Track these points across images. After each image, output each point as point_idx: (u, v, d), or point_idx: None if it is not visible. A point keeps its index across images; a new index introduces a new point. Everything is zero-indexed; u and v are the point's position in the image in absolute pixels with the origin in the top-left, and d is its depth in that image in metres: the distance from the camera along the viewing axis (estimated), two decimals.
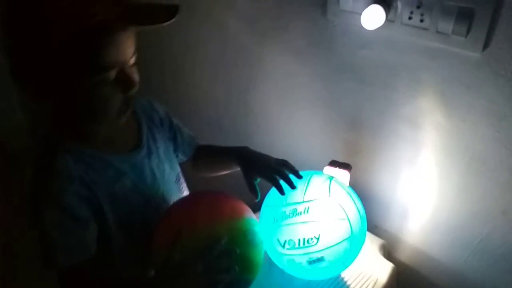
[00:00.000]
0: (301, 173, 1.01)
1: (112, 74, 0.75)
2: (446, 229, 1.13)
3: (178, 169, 1.05)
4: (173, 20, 0.74)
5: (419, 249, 1.21)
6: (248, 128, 1.50)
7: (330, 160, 1.17)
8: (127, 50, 0.76)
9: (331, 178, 0.99)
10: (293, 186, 0.94)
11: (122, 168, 0.88)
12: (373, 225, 1.24)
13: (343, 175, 1.12)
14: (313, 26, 1.15)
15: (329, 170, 1.13)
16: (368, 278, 1.07)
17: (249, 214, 0.91)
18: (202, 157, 1.13)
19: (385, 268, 1.11)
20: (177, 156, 1.08)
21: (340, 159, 1.16)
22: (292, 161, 1.18)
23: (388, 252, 1.21)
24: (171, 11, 0.74)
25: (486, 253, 1.08)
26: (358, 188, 1.07)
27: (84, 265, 0.81)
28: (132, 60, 0.79)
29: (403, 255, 1.24)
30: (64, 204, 0.79)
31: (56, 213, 0.79)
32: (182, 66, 1.63)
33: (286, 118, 1.36)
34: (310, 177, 0.99)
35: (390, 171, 1.17)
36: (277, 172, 0.95)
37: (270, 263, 1.05)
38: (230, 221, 0.87)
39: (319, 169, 1.15)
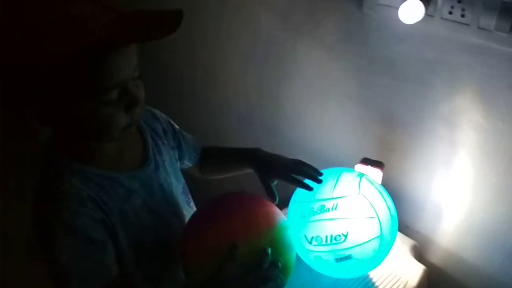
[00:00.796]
0: (331, 169, 1.00)
1: (114, 94, 0.70)
2: (480, 231, 1.10)
3: (183, 180, 1.01)
4: (176, 32, 0.67)
5: (451, 252, 1.17)
6: (278, 123, 1.48)
7: (362, 157, 1.15)
8: (129, 65, 0.71)
9: (361, 175, 0.97)
10: (318, 181, 0.93)
11: (132, 186, 0.84)
12: (404, 226, 1.21)
13: (375, 174, 1.09)
14: (348, 20, 1.13)
15: (360, 168, 1.11)
16: (398, 280, 1.05)
17: (281, 215, 0.88)
18: (210, 160, 1.09)
19: (416, 270, 1.08)
20: (183, 163, 1.05)
21: (373, 157, 1.14)
22: (322, 158, 1.17)
23: (419, 254, 1.18)
24: (176, 19, 0.68)
25: None
26: (391, 187, 1.05)
27: None
28: (136, 74, 0.73)
29: (435, 257, 1.21)
30: (77, 228, 0.73)
31: (70, 239, 0.73)
32: (213, 61, 1.62)
33: (318, 114, 1.34)
34: (340, 174, 0.97)
35: (424, 171, 1.14)
36: (297, 172, 0.94)
37: (298, 259, 1.04)
38: (269, 230, 0.83)
39: (350, 166, 1.13)
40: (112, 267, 0.78)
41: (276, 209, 0.88)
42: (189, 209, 1.00)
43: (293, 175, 0.94)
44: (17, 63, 0.66)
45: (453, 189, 1.11)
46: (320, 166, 0.99)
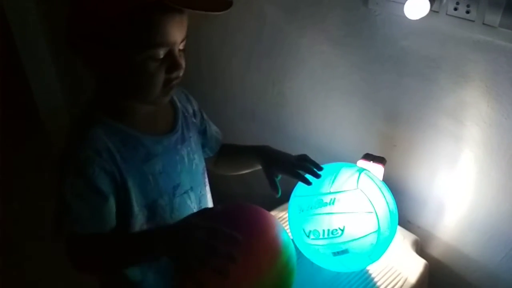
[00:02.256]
0: (332, 164, 1.01)
1: (161, 52, 0.77)
2: (482, 227, 1.10)
3: (204, 163, 1.05)
4: (226, 11, 0.77)
5: (453, 247, 1.18)
6: (282, 118, 1.49)
7: (364, 153, 1.15)
8: (178, 32, 0.78)
9: (361, 170, 0.98)
10: (317, 176, 0.95)
11: (155, 150, 0.88)
12: (406, 221, 1.22)
13: (377, 169, 1.10)
14: (353, 15, 1.13)
15: (362, 163, 1.12)
16: (400, 273, 1.06)
17: (283, 235, 0.85)
18: (224, 154, 1.12)
19: (417, 264, 1.09)
20: (204, 151, 1.08)
21: (375, 152, 1.15)
22: (326, 153, 1.17)
23: (420, 248, 1.19)
24: (227, 2, 0.78)
25: None
26: (393, 183, 1.06)
27: (95, 237, 0.81)
28: (182, 45, 0.81)
29: (436, 252, 1.22)
30: (87, 174, 0.79)
31: (77, 181, 0.79)
32: (218, 55, 1.63)
33: (321, 109, 1.34)
34: (340, 169, 0.98)
35: (426, 166, 1.15)
36: (299, 167, 0.97)
37: (299, 253, 1.05)
38: (272, 269, 0.81)
39: (353, 162, 1.14)
40: (108, 221, 0.83)
41: (279, 230, 0.85)
42: (206, 191, 1.04)
43: (296, 170, 0.96)
44: (87, 8, 0.75)
45: (456, 184, 1.11)
46: (323, 161, 1.00)
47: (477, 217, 1.10)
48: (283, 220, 1.20)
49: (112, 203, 0.83)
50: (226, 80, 1.64)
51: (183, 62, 0.82)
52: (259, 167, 1.03)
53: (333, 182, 0.94)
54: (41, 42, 2.42)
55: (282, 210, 1.24)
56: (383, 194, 0.94)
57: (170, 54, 0.78)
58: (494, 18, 0.89)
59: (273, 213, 1.24)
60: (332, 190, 0.93)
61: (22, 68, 2.43)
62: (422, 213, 1.20)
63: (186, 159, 0.95)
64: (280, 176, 0.98)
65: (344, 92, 1.25)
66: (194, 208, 0.98)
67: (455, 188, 1.12)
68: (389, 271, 1.06)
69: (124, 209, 0.86)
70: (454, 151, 1.08)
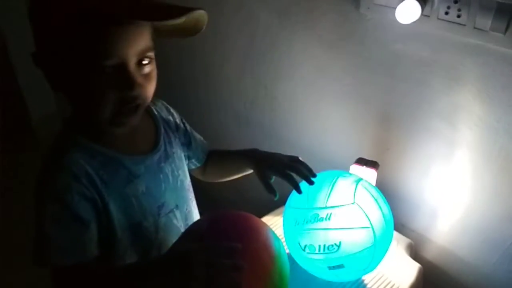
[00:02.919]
0: (327, 173, 1.00)
1: (109, 66, 0.72)
2: (476, 230, 1.11)
3: (189, 178, 1.02)
4: (176, 20, 0.70)
5: (447, 250, 1.18)
6: (275, 122, 1.49)
7: (357, 157, 1.15)
8: (133, 44, 0.72)
9: (358, 181, 0.96)
10: (311, 182, 0.92)
11: (136, 171, 0.85)
12: (400, 224, 1.22)
13: (370, 174, 1.10)
14: (345, 20, 1.13)
15: (355, 168, 1.12)
16: (394, 278, 1.05)
17: (276, 242, 0.85)
18: (213, 162, 1.10)
19: (411, 269, 1.09)
20: (191, 162, 1.06)
21: (368, 156, 1.15)
22: (318, 157, 1.17)
23: (414, 252, 1.19)
24: (181, 12, 0.71)
25: None
26: (386, 186, 1.06)
27: (79, 267, 0.77)
28: (146, 59, 0.76)
29: (430, 255, 1.22)
30: (66, 201, 0.76)
31: (57, 208, 0.76)
32: (211, 59, 1.62)
33: (314, 113, 1.34)
34: (336, 180, 0.96)
35: (420, 169, 1.15)
36: (291, 168, 0.93)
37: (292, 260, 1.04)
38: (272, 272, 0.80)
39: (345, 166, 1.14)
40: (91, 248, 0.79)
41: (271, 238, 0.84)
42: (192, 206, 1.01)
43: (288, 171, 0.93)
44: (38, 19, 0.74)
45: (449, 187, 1.11)
46: (315, 165, 0.99)
47: (471, 220, 1.11)
48: (277, 226, 1.20)
49: (93, 230, 0.79)
50: (219, 84, 1.64)
51: (142, 78, 0.75)
52: (250, 171, 1.01)
53: (329, 195, 0.92)
54: (32, 46, 2.40)
55: (277, 215, 1.24)
56: (379, 206, 0.93)
57: (122, 70, 0.73)
58: (485, 22, 0.89)
59: (267, 217, 1.24)
60: (328, 205, 0.91)
61: (14, 73, 2.41)
62: (416, 217, 1.20)
63: (170, 177, 0.92)
64: (273, 178, 0.94)
65: (336, 95, 1.25)
66: (181, 226, 0.94)
67: (449, 191, 1.12)
68: (383, 275, 1.06)
69: (107, 234, 0.82)
70: (447, 154, 1.08)
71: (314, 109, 1.33)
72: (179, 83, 1.72)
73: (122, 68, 0.73)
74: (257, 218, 0.87)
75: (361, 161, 1.12)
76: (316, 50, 1.24)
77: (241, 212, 0.87)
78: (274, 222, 1.22)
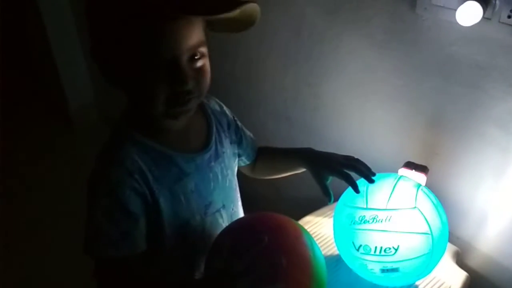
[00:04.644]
0: (387, 174, 0.98)
1: (162, 63, 0.72)
2: None
3: (236, 178, 1.01)
4: (229, 13, 0.70)
5: (493, 259, 1.15)
6: (317, 122, 1.47)
7: (404, 161, 1.12)
8: (183, 40, 0.72)
9: (418, 186, 0.94)
10: (371, 180, 0.91)
11: (187, 169, 0.85)
12: None
13: (419, 178, 1.07)
14: (399, 20, 1.11)
15: (404, 171, 1.09)
16: (441, 286, 1.03)
17: (314, 244, 0.83)
18: (263, 159, 1.09)
19: (458, 277, 1.06)
20: (241, 159, 1.05)
21: (415, 160, 1.12)
22: (363, 159, 1.14)
23: (461, 260, 1.16)
24: (234, 5, 0.70)
25: None
26: (433, 192, 1.03)
27: (126, 260, 0.79)
28: (199, 54, 0.75)
29: (475, 264, 1.19)
30: (118, 196, 0.77)
31: (109, 202, 0.77)
32: (253, 55, 1.61)
33: (360, 114, 1.32)
34: (397, 182, 0.94)
35: (470, 176, 1.12)
36: (349, 167, 0.92)
37: (338, 259, 1.03)
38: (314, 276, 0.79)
39: (392, 170, 1.11)
40: (139, 243, 0.80)
41: (308, 239, 0.82)
42: (237, 207, 1.00)
43: (345, 171, 0.91)
44: (93, 19, 0.74)
45: (500, 196, 1.08)
46: None
47: None
48: (320, 226, 1.19)
49: (143, 224, 0.81)
50: (260, 80, 1.63)
51: (195, 72, 0.76)
52: (301, 170, 1.00)
53: (389, 197, 0.90)
54: (73, 38, 2.45)
55: (319, 215, 1.22)
56: (439, 214, 0.91)
57: (174, 65, 0.73)
58: None
59: (308, 217, 1.23)
60: (388, 207, 0.89)
61: (54, 63, 2.45)
62: (463, 224, 1.17)
63: (219, 176, 0.92)
64: (331, 179, 0.93)
65: (384, 96, 1.23)
66: (224, 223, 0.94)
67: (499, 200, 1.08)
68: (429, 282, 1.04)
69: (155, 231, 0.83)
70: (500, 163, 1.05)
71: (360, 110, 1.31)
72: (221, 77, 1.71)
73: (174, 63, 0.73)
74: (288, 218, 0.85)
75: (410, 165, 1.09)
76: (365, 49, 1.22)
77: (272, 213, 0.85)
78: (317, 222, 1.20)
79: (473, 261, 1.19)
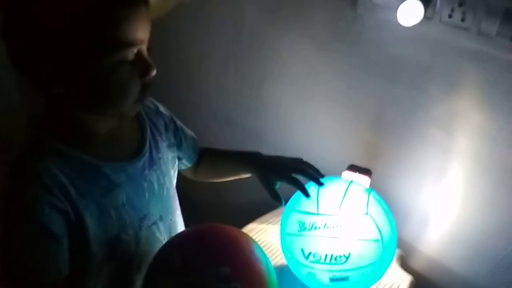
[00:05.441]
0: (338, 179, 0.95)
1: (130, 53, 0.68)
2: (468, 241, 1.07)
3: (174, 184, 0.95)
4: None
5: (437, 261, 1.15)
6: (259, 124, 1.43)
7: (347, 163, 1.10)
8: (144, 29, 0.69)
9: (369, 191, 0.92)
10: (320, 183, 0.87)
11: (116, 179, 0.77)
12: None
13: (363, 181, 1.05)
14: (340, 19, 1.09)
15: (348, 175, 1.07)
16: None
17: (267, 258, 0.79)
18: (206, 162, 1.03)
19: (403, 280, 1.05)
20: (181, 162, 0.99)
21: (359, 162, 1.10)
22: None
23: (404, 262, 1.15)
24: None
25: (510, 269, 1.03)
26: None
27: (49, 286, 0.71)
28: (149, 44, 0.72)
29: (418, 266, 1.18)
30: (36, 215, 0.69)
31: (25, 224, 0.69)
32: (189, 55, 1.55)
33: (302, 116, 1.29)
34: (347, 188, 0.91)
35: (412, 177, 1.11)
36: (296, 171, 0.88)
37: (282, 269, 0.99)
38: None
39: (335, 173, 1.08)
40: (63, 266, 0.73)
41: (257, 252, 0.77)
42: (176, 216, 0.94)
43: (293, 175, 0.87)
44: (33, 18, 0.64)
45: (442, 197, 1.08)
46: None
47: (463, 231, 1.07)
48: (262, 233, 1.14)
49: (65, 245, 0.72)
50: (201, 81, 1.57)
51: (153, 63, 0.73)
52: (248, 175, 0.95)
53: (341, 202, 0.87)
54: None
55: (262, 222, 1.18)
56: (389, 220, 0.89)
57: (139, 55, 0.69)
58: (491, 27, 0.86)
59: (252, 225, 1.18)
60: (340, 213, 0.86)
61: None
62: (406, 226, 1.16)
63: (155, 185, 0.85)
64: (279, 184, 0.88)
65: (327, 99, 1.21)
66: (164, 239, 0.87)
67: (441, 201, 1.08)
68: (376, 287, 1.02)
69: (79, 249, 0.75)
70: (442, 163, 1.05)
71: (303, 112, 1.28)
72: (159, 76, 1.63)
73: (139, 53, 0.69)
74: (240, 231, 0.81)
75: (353, 168, 1.07)
76: (307, 50, 1.19)
77: (223, 225, 0.79)
78: (261, 229, 1.16)
79: (417, 263, 1.18)
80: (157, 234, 0.86)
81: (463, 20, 0.89)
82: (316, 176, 0.88)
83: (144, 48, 0.70)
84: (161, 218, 0.86)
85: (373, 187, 1.07)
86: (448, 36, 0.92)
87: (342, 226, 0.85)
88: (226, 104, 1.51)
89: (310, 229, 0.87)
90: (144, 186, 0.82)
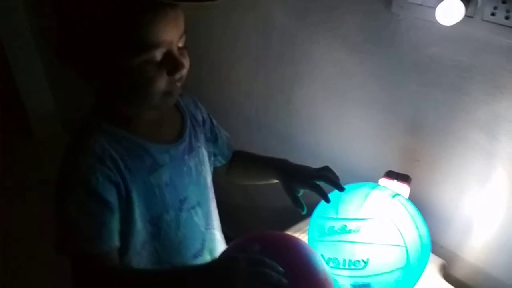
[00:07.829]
0: (360, 184, 0.93)
1: (158, 54, 0.72)
2: None
3: (211, 176, 0.97)
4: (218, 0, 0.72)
5: (480, 269, 1.10)
6: (290, 128, 1.40)
7: (384, 169, 1.06)
8: (174, 30, 0.72)
9: (395, 195, 0.88)
10: (341, 188, 0.88)
11: (161, 159, 0.82)
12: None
13: (402, 189, 1.00)
14: (373, 20, 1.05)
15: (385, 182, 1.02)
16: None
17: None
18: (238, 163, 1.06)
19: None
20: (216, 159, 1.01)
21: (396, 168, 1.06)
22: (339, 168, 1.08)
23: (446, 271, 1.11)
24: None
25: None
26: (415, 200, 0.97)
27: (104, 257, 0.73)
28: (181, 43, 0.75)
29: (462, 274, 1.13)
30: (91, 183, 0.72)
31: (82, 192, 0.72)
32: (220, 59, 1.54)
33: (335, 120, 1.25)
34: (370, 191, 0.89)
35: (453, 183, 1.06)
36: (319, 178, 0.90)
37: None
38: None
39: (371, 178, 1.04)
40: (116, 238, 0.75)
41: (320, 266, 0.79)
42: (213, 207, 0.97)
43: (315, 182, 0.89)
44: (73, 13, 0.70)
45: (486, 203, 1.03)
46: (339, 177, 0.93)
47: (509, 238, 1.02)
48: None
49: (117, 217, 0.76)
50: (231, 86, 1.55)
51: (185, 61, 0.76)
52: (275, 181, 0.97)
53: (361, 206, 0.85)
54: (30, 46, 2.34)
55: (297, 230, 1.15)
56: (416, 225, 0.85)
57: (169, 55, 0.73)
58: None
59: (287, 232, 1.15)
60: (359, 216, 0.84)
61: (11, 72, 2.33)
62: (447, 233, 1.12)
63: (194, 171, 0.89)
64: (302, 191, 0.91)
65: (361, 103, 1.17)
66: (201, 226, 0.91)
67: (485, 207, 1.03)
68: None
69: (125, 225, 0.78)
70: (485, 168, 0.99)
71: (335, 116, 1.25)
72: (190, 82, 1.62)
73: (168, 53, 0.72)
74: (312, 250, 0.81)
75: (391, 175, 1.02)
76: (339, 53, 1.15)
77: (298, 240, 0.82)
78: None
79: (460, 273, 1.13)
80: (196, 219, 0.89)
81: (507, 18, 0.84)
82: (336, 181, 0.89)
83: (173, 48, 0.73)
84: (199, 204, 0.90)
85: (411, 193, 1.03)
86: (491, 35, 0.87)
87: (360, 230, 0.83)
88: (256, 110, 1.49)
89: (329, 234, 0.86)
90: (184, 170, 0.86)
